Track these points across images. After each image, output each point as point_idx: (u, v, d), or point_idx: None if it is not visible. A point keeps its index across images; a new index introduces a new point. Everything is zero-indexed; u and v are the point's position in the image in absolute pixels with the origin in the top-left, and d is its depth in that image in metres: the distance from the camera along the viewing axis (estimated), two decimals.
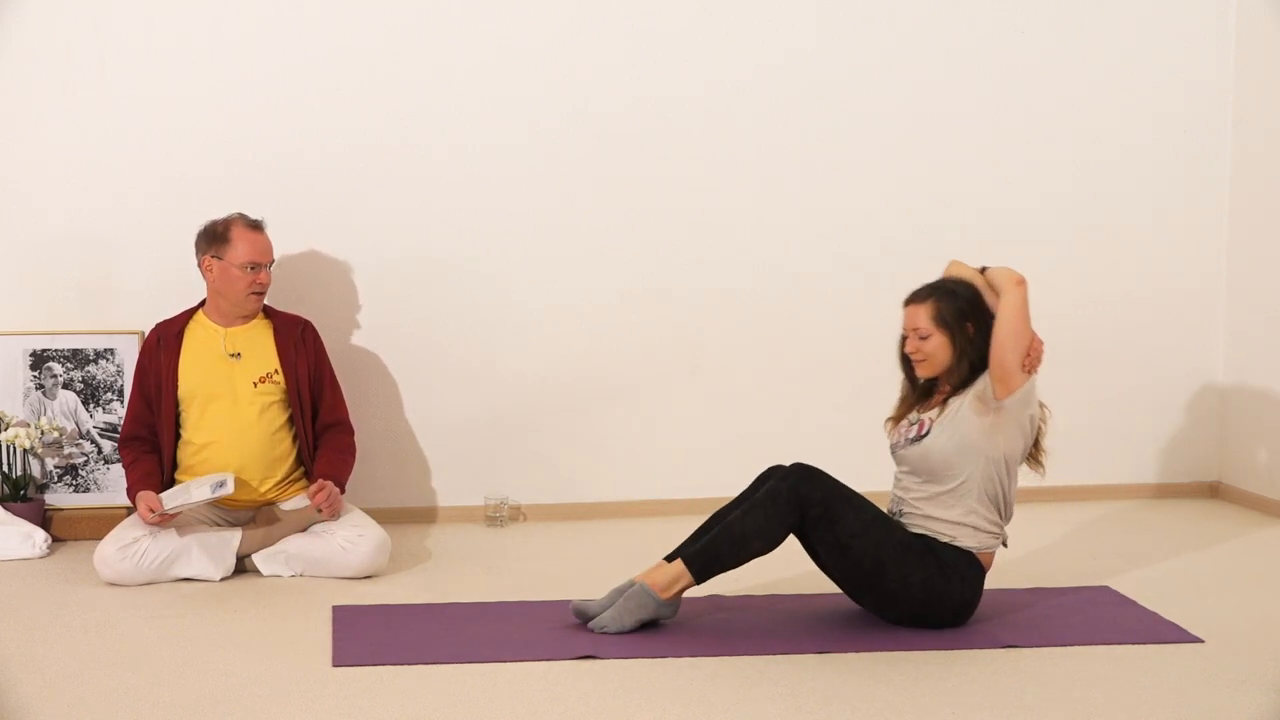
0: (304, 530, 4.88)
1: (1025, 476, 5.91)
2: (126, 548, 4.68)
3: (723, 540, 4.09)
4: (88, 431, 5.38)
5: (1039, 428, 4.23)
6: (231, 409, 4.92)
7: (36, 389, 5.36)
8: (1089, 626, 4.23)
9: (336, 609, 4.43)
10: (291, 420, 5.01)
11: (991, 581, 4.59)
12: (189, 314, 5.06)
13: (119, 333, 5.41)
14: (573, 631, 4.16)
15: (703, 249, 5.73)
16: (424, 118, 5.55)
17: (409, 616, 4.36)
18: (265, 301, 5.09)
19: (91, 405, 5.38)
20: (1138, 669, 3.88)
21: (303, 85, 5.48)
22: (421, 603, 4.52)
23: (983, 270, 4.27)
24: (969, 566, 4.16)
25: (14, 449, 5.22)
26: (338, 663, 3.93)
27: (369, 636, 4.14)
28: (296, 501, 4.93)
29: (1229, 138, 5.94)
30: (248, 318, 5.04)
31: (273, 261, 5.04)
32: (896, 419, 4.35)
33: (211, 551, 4.76)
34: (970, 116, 5.83)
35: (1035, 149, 5.87)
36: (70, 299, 5.43)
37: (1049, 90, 5.86)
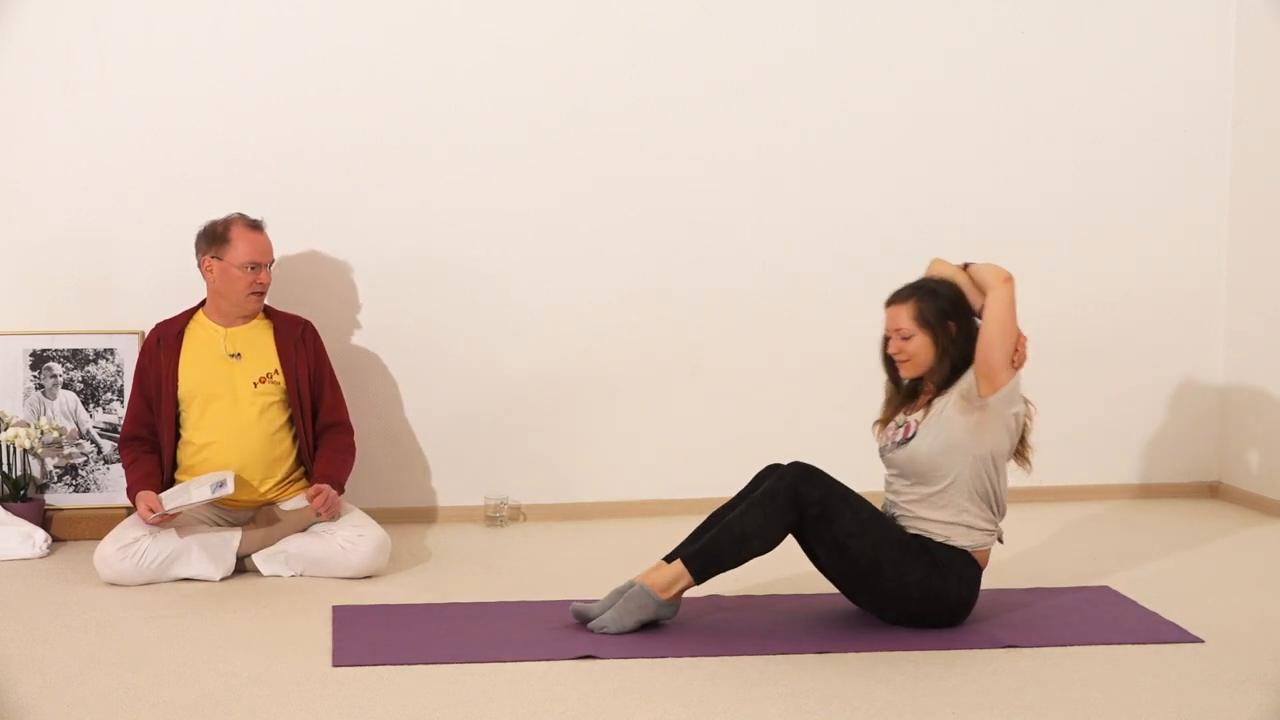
0: (304, 530, 4.88)
1: (1026, 476, 5.94)
2: (126, 548, 4.68)
3: (722, 540, 4.09)
4: (88, 431, 5.38)
5: (1025, 425, 4.23)
6: (231, 409, 4.93)
7: (36, 389, 5.36)
8: (1089, 626, 4.23)
9: (336, 609, 4.43)
10: (291, 420, 5.01)
11: (991, 581, 4.59)
12: (189, 314, 5.06)
13: (119, 333, 5.41)
14: (573, 631, 4.16)
15: (703, 249, 5.73)
16: (424, 118, 5.55)
17: (409, 616, 4.36)
18: (265, 301, 5.09)
19: (91, 405, 5.38)
20: (1138, 669, 3.88)
21: (303, 85, 5.48)
22: (421, 603, 4.52)
23: (965, 267, 4.27)
24: (965, 565, 4.16)
25: (14, 449, 5.22)
26: (338, 663, 3.93)
27: (369, 636, 4.14)
28: (296, 501, 4.93)
29: (1229, 138, 5.94)
30: (248, 318, 5.04)
31: (273, 261, 5.04)
32: (883, 421, 4.36)
33: (211, 551, 4.76)
34: (970, 116, 5.83)
35: (1035, 149, 5.87)
36: (70, 299, 5.43)
37: (1049, 90, 5.86)
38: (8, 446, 5.21)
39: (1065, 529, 5.52)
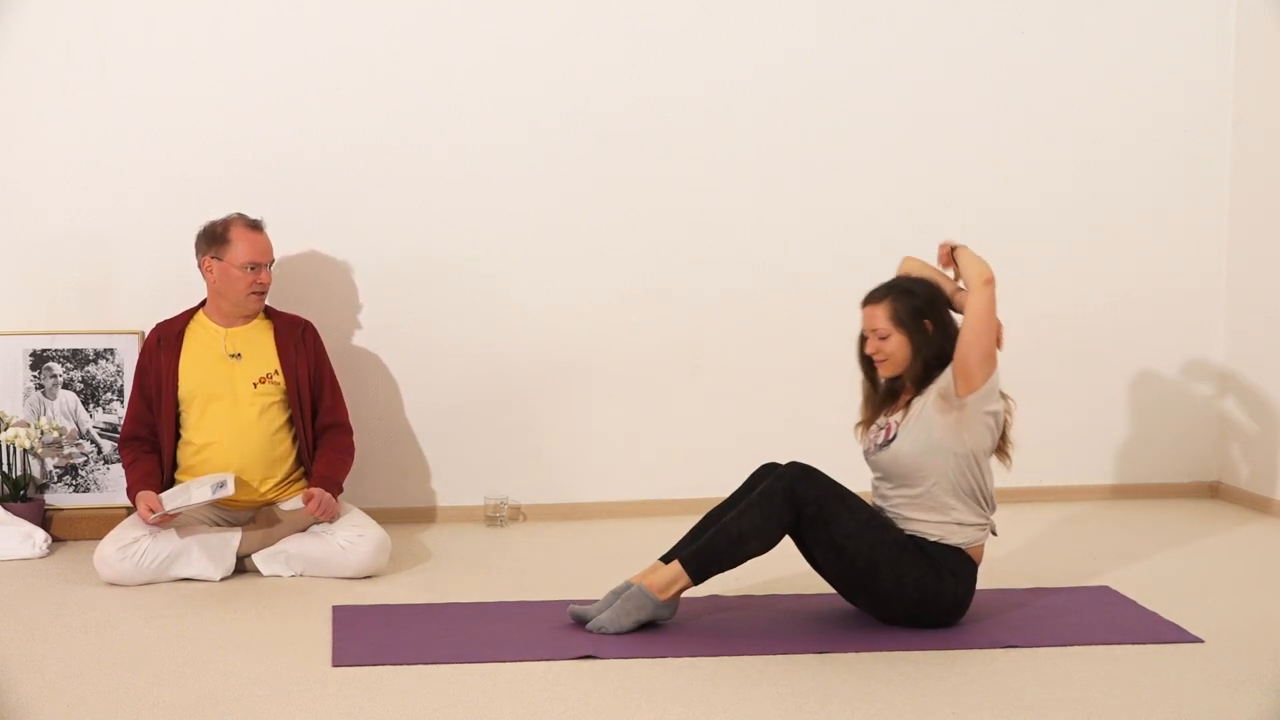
0: (304, 530, 4.89)
1: (1027, 476, 5.94)
2: (126, 548, 4.68)
3: (719, 540, 4.09)
4: (88, 431, 5.38)
5: (1005, 421, 4.23)
6: (231, 409, 4.92)
7: (36, 389, 5.36)
8: (1089, 626, 4.23)
9: (336, 609, 4.43)
10: (291, 421, 5.01)
11: (990, 581, 4.59)
12: (189, 314, 5.06)
13: (119, 333, 5.41)
14: (572, 631, 4.16)
15: (703, 249, 5.73)
16: (424, 118, 5.55)
17: (409, 616, 4.36)
18: (266, 302, 5.09)
19: (91, 405, 5.38)
20: (1138, 669, 3.88)
21: (303, 85, 5.48)
22: (421, 603, 4.52)
23: (954, 250, 4.27)
24: (960, 563, 4.16)
25: (14, 449, 5.22)
26: (338, 663, 3.93)
27: (369, 636, 4.14)
28: (296, 502, 4.92)
29: (1229, 138, 5.94)
30: (248, 318, 5.04)
31: (273, 261, 5.04)
32: (865, 424, 4.35)
33: (211, 551, 4.76)
34: (970, 116, 5.83)
35: (1035, 149, 5.87)
36: (70, 299, 5.43)
37: (1049, 90, 5.86)
38: (8, 446, 5.21)
39: (1065, 529, 5.52)
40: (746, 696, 3.68)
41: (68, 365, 5.38)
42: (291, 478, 5.00)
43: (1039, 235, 5.89)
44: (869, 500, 4.27)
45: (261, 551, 4.82)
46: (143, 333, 5.34)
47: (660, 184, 5.69)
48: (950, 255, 4.32)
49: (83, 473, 5.38)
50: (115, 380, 5.39)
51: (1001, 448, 4.26)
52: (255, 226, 5.00)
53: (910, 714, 3.57)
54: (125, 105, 5.40)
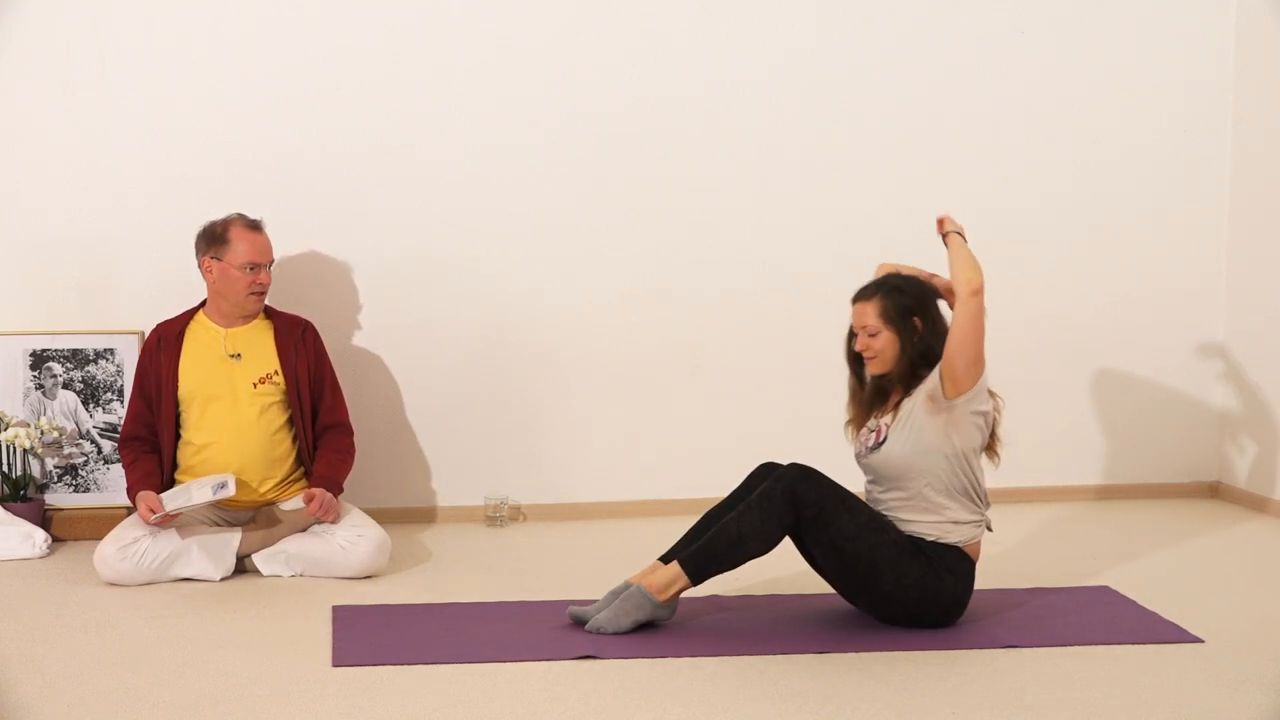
0: (304, 530, 4.89)
1: (1027, 476, 5.94)
2: (126, 548, 4.68)
3: (719, 541, 4.09)
4: (88, 431, 5.38)
5: (994, 419, 4.23)
6: (231, 409, 4.92)
7: (36, 389, 5.36)
8: (1089, 626, 4.23)
9: (336, 609, 4.43)
10: (291, 421, 5.01)
11: (990, 581, 4.60)
12: (189, 314, 5.06)
13: (119, 333, 5.41)
14: (572, 631, 4.16)
15: (703, 249, 5.73)
16: (424, 118, 5.55)
17: (409, 616, 4.36)
18: (266, 302, 5.09)
19: (91, 405, 5.38)
20: (1138, 669, 3.88)
21: (303, 85, 5.48)
22: (421, 603, 4.52)
23: (947, 237, 4.28)
24: (958, 561, 4.16)
25: (14, 449, 5.22)
26: (338, 663, 3.93)
27: (369, 636, 4.14)
28: (296, 502, 4.92)
29: (1229, 138, 5.94)
30: (248, 318, 5.04)
31: (272, 261, 5.04)
32: (855, 424, 4.35)
33: (211, 551, 4.76)
34: (970, 116, 5.83)
35: (1035, 149, 5.87)
36: (70, 299, 5.43)
37: (1049, 90, 5.86)
38: (8, 446, 5.21)
39: (1064, 529, 5.52)
40: (746, 696, 3.68)
41: (68, 365, 5.38)
42: (291, 478, 5.00)
43: (1039, 235, 5.89)
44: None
45: (261, 551, 4.82)
46: (143, 333, 5.34)
47: (660, 184, 5.69)
48: (942, 234, 4.31)
49: (83, 473, 5.38)
50: (115, 380, 5.39)
51: (991, 446, 4.26)
52: (255, 227, 5.00)
53: (910, 714, 3.57)
54: (125, 105, 5.40)
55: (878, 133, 5.78)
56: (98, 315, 5.45)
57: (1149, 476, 6.04)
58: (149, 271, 5.43)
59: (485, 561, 5.09)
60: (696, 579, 4.12)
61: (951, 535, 4.16)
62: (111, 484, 5.36)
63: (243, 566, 4.84)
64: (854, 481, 4.31)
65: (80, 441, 5.38)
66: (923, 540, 4.15)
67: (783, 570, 4.60)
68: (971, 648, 4.05)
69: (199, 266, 5.01)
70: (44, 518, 5.27)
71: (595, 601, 4.27)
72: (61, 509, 5.34)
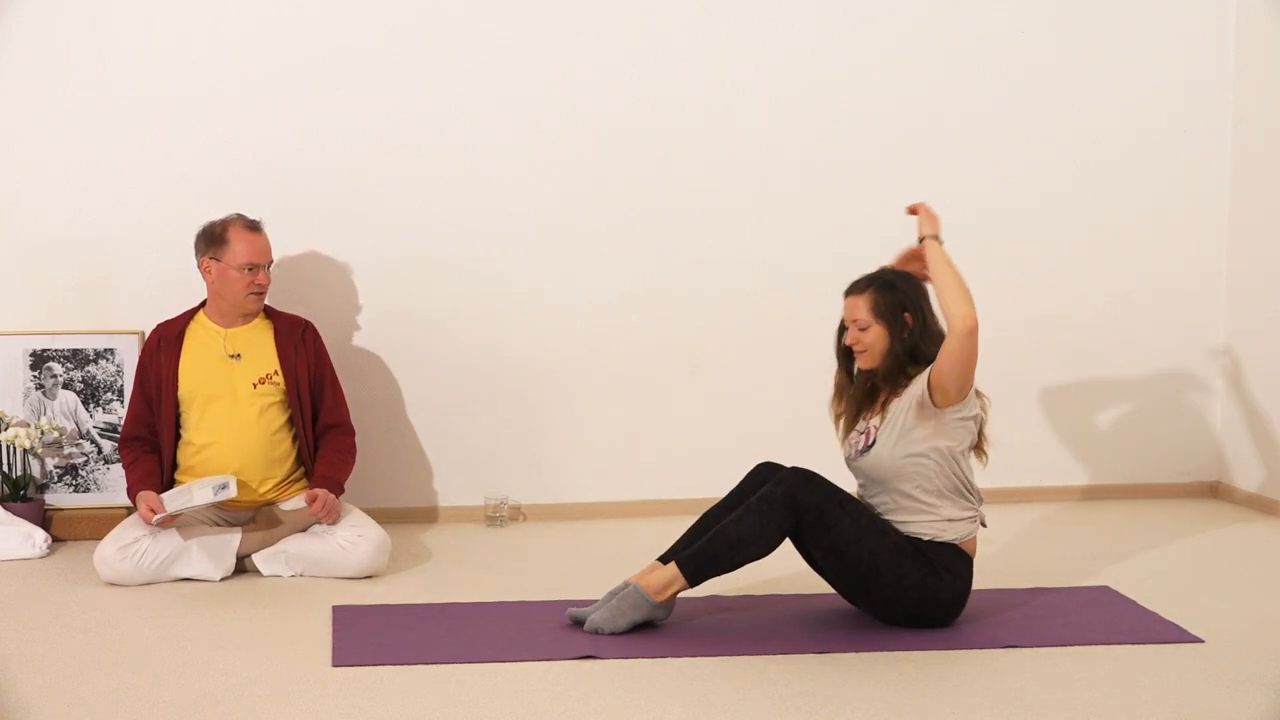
0: (304, 530, 4.89)
1: (1027, 476, 5.94)
2: (126, 548, 4.68)
3: (717, 544, 4.08)
4: (88, 431, 5.38)
5: (981, 419, 4.22)
6: (231, 410, 4.92)
7: (36, 389, 5.36)
8: (1089, 626, 4.23)
9: (336, 609, 4.43)
10: (291, 421, 5.01)
11: (990, 581, 4.60)
12: (190, 314, 5.06)
13: (119, 333, 5.41)
14: (572, 632, 4.16)
15: (703, 249, 5.73)
16: (424, 118, 5.55)
17: (409, 616, 4.36)
18: (266, 302, 5.09)
19: (91, 405, 5.38)
20: (1138, 669, 3.88)
21: (303, 85, 5.48)
22: (421, 603, 4.52)
23: (937, 241, 4.23)
24: (955, 559, 4.16)
25: (14, 449, 5.22)
26: (338, 663, 3.93)
27: (369, 636, 4.14)
28: (296, 502, 4.93)
29: (1229, 138, 5.94)
30: (248, 318, 5.04)
31: (271, 262, 5.04)
32: (841, 417, 4.34)
33: (211, 552, 4.76)
34: (970, 116, 5.83)
35: (1035, 149, 5.87)
36: (70, 299, 5.43)
37: (1049, 90, 5.85)
38: (8, 446, 5.21)
39: (1064, 529, 5.52)
40: (746, 696, 3.68)
41: (68, 365, 5.38)
42: (291, 478, 5.00)
43: (1039, 235, 5.89)
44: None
45: (261, 552, 4.82)
46: (143, 333, 5.34)
47: (660, 184, 5.69)
48: (920, 255, 4.26)
49: (83, 473, 5.38)
50: (115, 380, 5.39)
51: (979, 445, 4.26)
52: (254, 227, 5.00)
53: (910, 714, 3.57)
54: (125, 105, 5.40)
55: (878, 133, 5.78)
56: (98, 315, 5.45)
57: (1149, 476, 6.04)
58: (149, 271, 5.43)
59: (485, 561, 5.09)
60: (694, 581, 4.12)
61: (947, 533, 4.16)
62: (111, 484, 5.36)
63: (243, 566, 4.84)
64: (853, 482, 4.31)
65: (80, 441, 5.38)
66: (920, 540, 4.15)
67: (783, 570, 4.59)
68: (971, 648, 4.04)
69: (198, 267, 5.01)
70: (44, 518, 5.27)
71: (595, 602, 4.26)
72: (61, 509, 5.34)
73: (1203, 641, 4.09)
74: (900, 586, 4.10)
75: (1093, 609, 4.41)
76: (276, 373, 4.99)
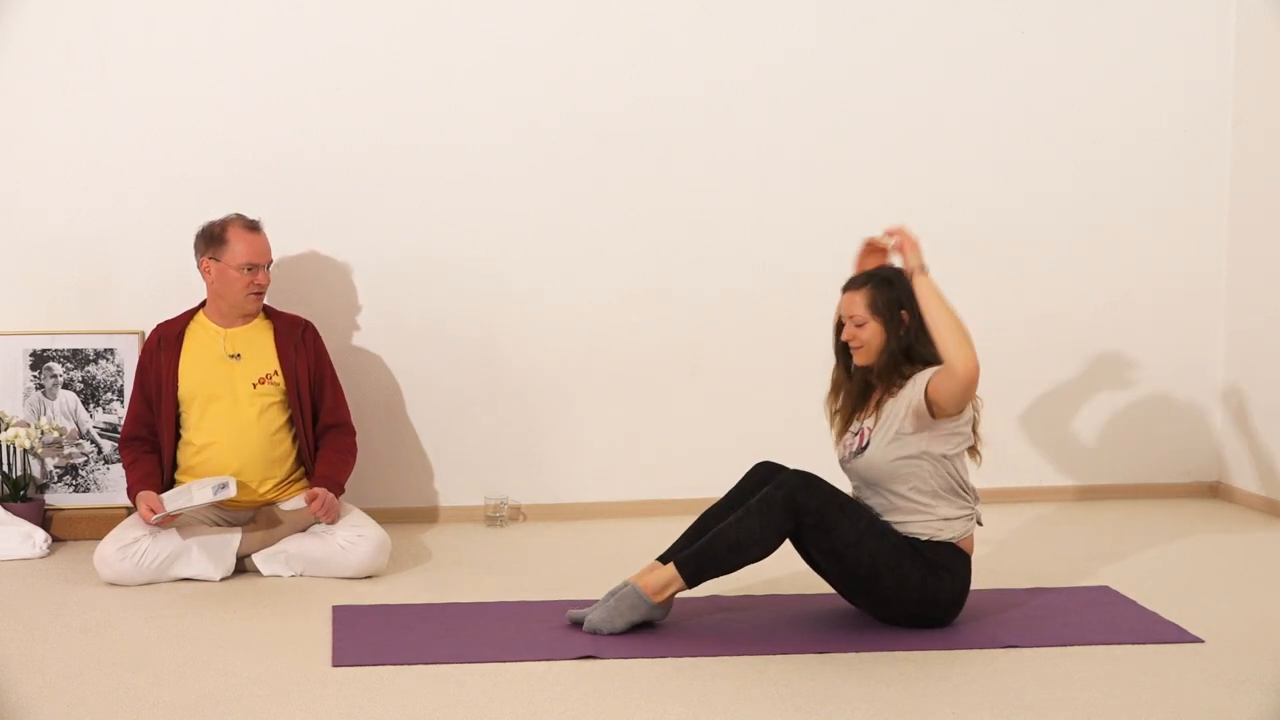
0: (304, 530, 4.89)
1: (1027, 476, 5.94)
2: (126, 548, 4.68)
3: (716, 546, 4.08)
4: (88, 431, 5.38)
5: (975, 419, 4.21)
6: (231, 410, 4.92)
7: (36, 389, 5.36)
8: (1089, 626, 4.23)
9: (336, 609, 4.43)
10: (291, 421, 5.01)
11: (990, 581, 4.60)
12: (190, 314, 5.06)
13: (119, 333, 5.41)
14: (573, 632, 4.16)
15: (703, 249, 5.73)
16: (424, 118, 5.55)
17: (409, 616, 4.36)
18: (266, 302, 5.09)
19: (91, 405, 5.38)
20: (1138, 669, 3.88)
21: (303, 85, 5.48)
22: (421, 603, 4.52)
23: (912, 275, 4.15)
24: (953, 557, 4.16)
25: (14, 449, 5.22)
26: (338, 663, 3.93)
27: (369, 636, 4.14)
28: (296, 502, 4.93)
29: (1229, 138, 5.94)
30: (248, 318, 5.04)
31: (271, 262, 5.04)
32: (838, 414, 4.34)
33: (211, 552, 4.76)
34: (970, 116, 5.83)
35: (1035, 149, 5.87)
36: (70, 299, 5.43)
37: (1049, 90, 5.85)
38: (8, 446, 5.21)
39: (1064, 529, 5.52)
40: (746, 696, 3.68)
41: (68, 365, 5.38)
42: (291, 478, 5.00)
43: (1039, 235, 5.89)
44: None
45: (261, 551, 4.82)
46: (143, 333, 5.34)
47: (660, 184, 5.69)
48: (880, 246, 4.28)
49: (83, 473, 5.38)
50: (115, 380, 5.39)
51: (973, 446, 4.25)
52: (253, 227, 5.00)
53: (910, 714, 3.57)
54: (125, 105, 5.40)
55: (878, 133, 5.78)
56: (98, 315, 5.45)
57: (1149, 476, 6.04)
58: (149, 271, 5.43)
59: (485, 561, 5.09)
60: (692, 582, 4.12)
61: (944, 532, 4.16)
62: (111, 484, 5.36)
63: (243, 566, 4.84)
64: (849, 483, 4.31)
65: (80, 441, 5.38)
66: (918, 540, 4.15)
67: (783, 570, 4.59)
68: (971, 648, 4.04)
69: (198, 267, 5.01)
70: (44, 518, 5.27)
71: (595, 603, 4.26)
72: (61, 509, 5.34)
73: (1203, 641, 4.09)
74: (901, 588, 4.10)
75: (1093, 609, 4.41)
76: (276, 373, 4.99)
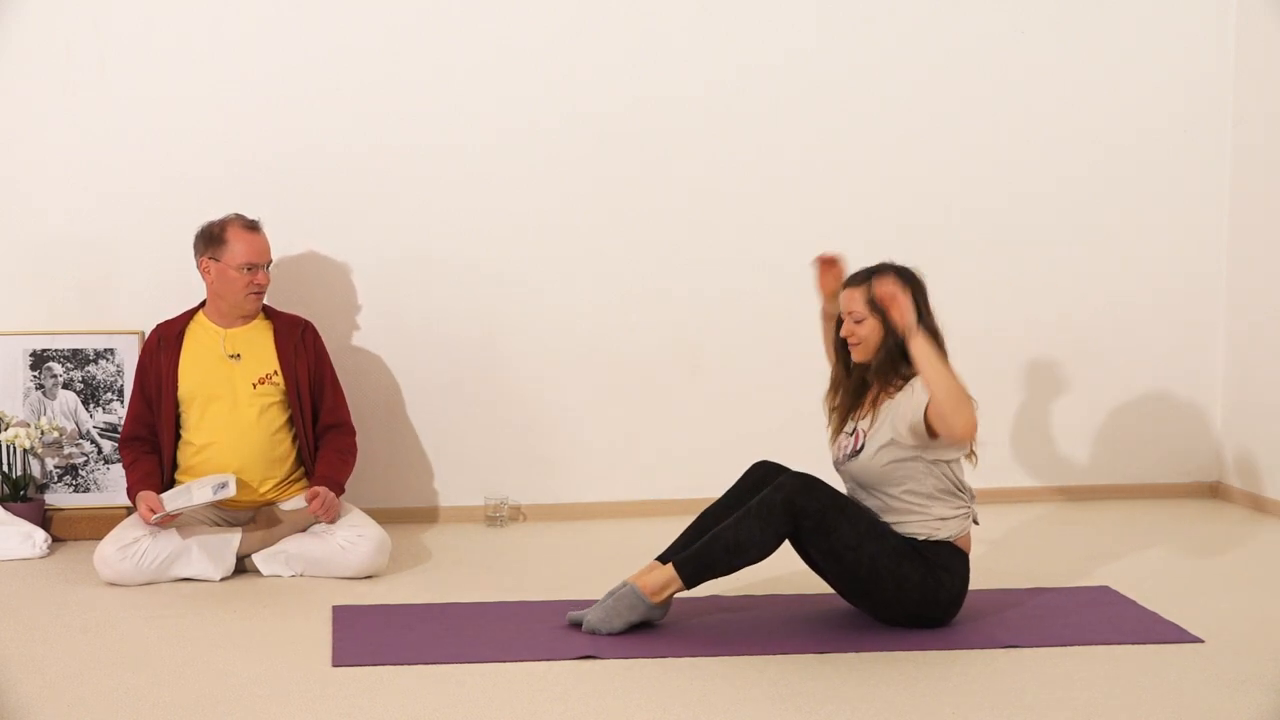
0: (304, 530, 4.89)
1: (1027, 476, 5.94)
2: (126, 548, 4.68)
3: (715, 548, 4.08)
4: (88, 431, 5.38)
5: None
6: (231, 410, 4.92)
7: (36, 389, 5.36)
8: (1089, 626, 4.23)
9: (336, 609, 4.43)
10: (291, 421, 5.01)
11: (991, 581, 4.60)
12: (189, 315, 5.06)
13: (119, 333, 5.41)
14: (573, 632, 4.16)
15: (703, 249, 5.73)
16: (424, 118, 5.55)
17: (409, 616, 4.36)
18: (266, 302, 5.09)
19: (91, 405, 5.38)
20: (1138, 669, 3.88)
21: (303, 85, 5.48)
22: (421, 603, 4.52)
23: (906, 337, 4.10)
24: (952, 556, 4.16)
25: (14, 449, 5.22)
26: (338, 663, 3.93)
27: (369, 636, 4.14)
28: (296, 502, 4.93)
29: (1229, 138, 5.94)
30: (247, 318, 5.04)
31: (270, 262, 5.04)
32: (835, 410, 4.34)
33: (211, 552, 4.76)
34: (970, 116, 5.83)
35: (1035, 149, 5.87)
36: (70, 299, 5.43)
37: (1049, 90, 5.85)
38: (8, 446, 5.21)
39: (1065, 529, 5.52)
40: (746, 696, 3.68)
41: (68, 365, 5.38)
42: (291, 478, 5.00)
43: (1039, 235, 5.89)
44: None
45: (261, 551, 4.82)
46: (143, 333, 5.34)
47: (660, 184, 5.69)
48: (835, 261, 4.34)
49: (83, 473, 5.38)
50: (115, 380, 5.39)
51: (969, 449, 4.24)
52: (252, 227, 5.00)
53: (910, 714, 3.57)
54: (125, 105, 5.40)
55: (878, 133, 5.78)
56: (98, 315, 5.45)
57: (1149, 476, 6.04)
58: (149, 271, 5.43)
59: (485, 561, 5.09)
60: (691, 583, 4.12)
61: (941, 532, 4.16)
62: (111, 484, 5.36)
63: (243, 566, 4.84)
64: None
65: (80, 441, 5.38)
66: (916, 540, 4.15)
67: (783, 570, 4.59)
68: (971, 648, 4.04)
69: (197, 267, 5.01)
70: (44, 518, 5.27)
71: (594, 603, 4.26)
72: (61, 509, 5.34)
73: (1203, 641, 4.09)
74: (901, 589, 4.10)
75: (1093, 609, 4.41)
76: (276, 373, 4.99)
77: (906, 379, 4.17)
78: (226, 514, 4.94)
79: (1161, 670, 3.87)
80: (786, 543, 4.19)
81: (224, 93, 5.44)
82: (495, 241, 5.63)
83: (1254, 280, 5.87)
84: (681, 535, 4.28)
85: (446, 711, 3.58)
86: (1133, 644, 4.08)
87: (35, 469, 5.33)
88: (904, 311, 4.03)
